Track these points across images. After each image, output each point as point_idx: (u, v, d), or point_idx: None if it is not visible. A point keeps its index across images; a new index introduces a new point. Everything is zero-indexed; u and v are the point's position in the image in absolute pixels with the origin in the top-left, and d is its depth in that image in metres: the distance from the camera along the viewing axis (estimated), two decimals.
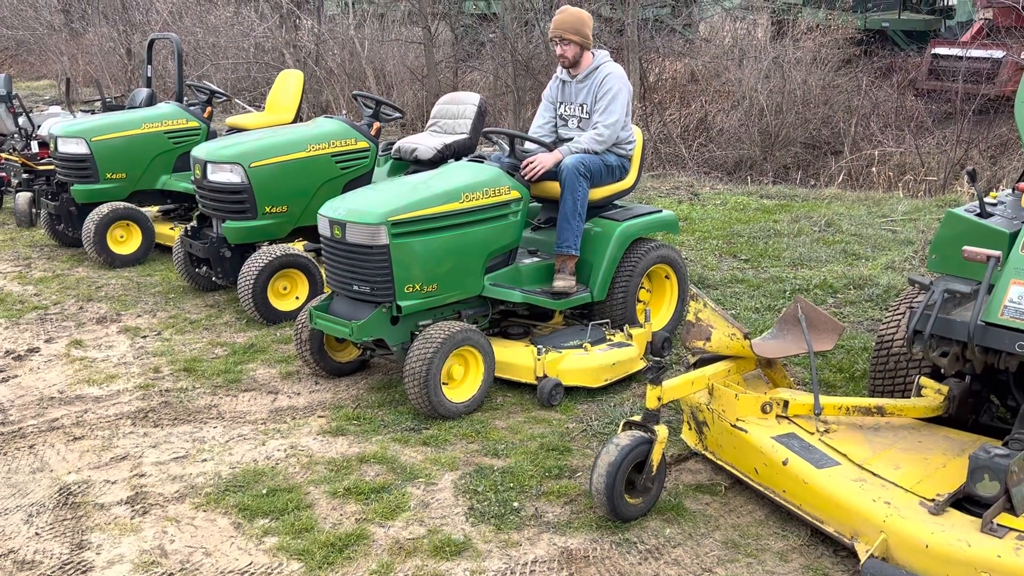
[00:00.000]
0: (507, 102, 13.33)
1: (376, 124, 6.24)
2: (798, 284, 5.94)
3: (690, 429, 3.76)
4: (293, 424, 4.13)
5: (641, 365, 4.49)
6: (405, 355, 4.09)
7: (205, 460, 3.79)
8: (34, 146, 8.78)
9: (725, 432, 3.49)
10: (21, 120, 9.24)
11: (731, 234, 7.28)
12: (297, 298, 5.55)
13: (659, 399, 3.30)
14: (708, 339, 3.63)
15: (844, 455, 3.22)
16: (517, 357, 4.38)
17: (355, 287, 4.20)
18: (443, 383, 4.08)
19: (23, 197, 8.08)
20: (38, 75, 21.59)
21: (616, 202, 5.01)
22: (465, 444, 3.88)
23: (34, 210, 7.98)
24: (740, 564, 3.04)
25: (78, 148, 6.82)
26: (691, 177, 10.39)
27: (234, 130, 7.49)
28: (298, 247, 5.70)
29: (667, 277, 5.07)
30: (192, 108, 7.37)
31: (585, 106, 4.79)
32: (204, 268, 5.97)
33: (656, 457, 3.25)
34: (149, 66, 8.59)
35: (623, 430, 3.32)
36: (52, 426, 4.12)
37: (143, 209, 7.00)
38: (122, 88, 16.90)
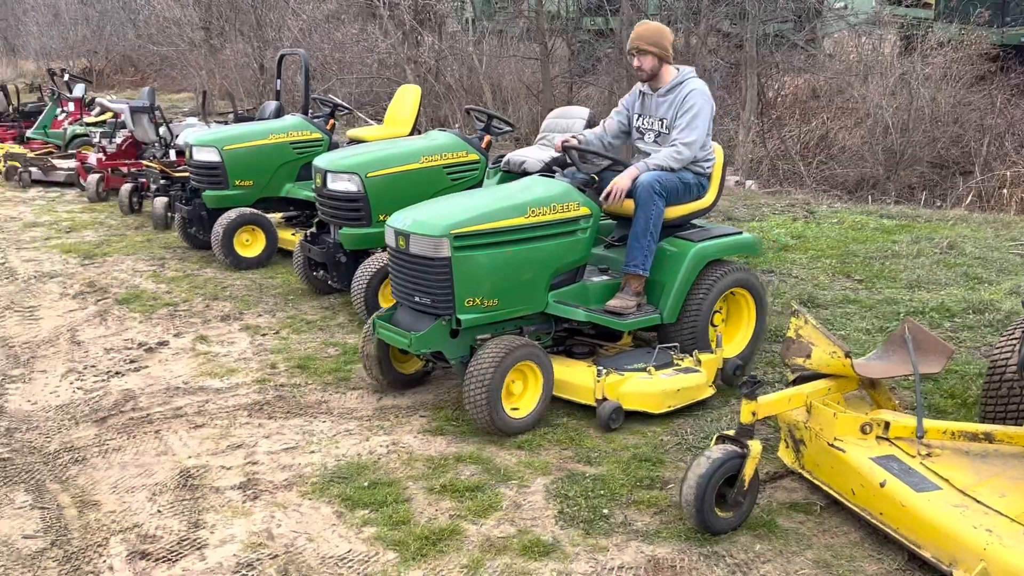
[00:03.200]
0: None
1: (487, 137, 6.41)
2: (913, 306, 5.75)
3: (787, 447, 3.71)
4: (396, 422, 4.30)
5: (709, 393, 4.34)
6: (464, 369, 4.08)
7: (313, 452, 4.00)
8: (172, 154, 9.40)
9: (822, 451, 3.43)
10: (161, 130, 9.90)
11: (846, 253, 7.09)
12: None
13: (754, 414, 3.29)
14: (808, 356, 3.58)
15: (946, 480, 3.13)
16: (577, 377, 4.30)
17: (416, 298, 4.22)
18: (508, 397, 4.07)
19: (160, 201, 8.65)
20: (178, 88, 23.00)
21: (695, 221, 4.88)
22: (559, 450, 3.96)
23: (169, 214, 8.53)
24: None
25: (210, 156, 7.27)
26: (808, 195, 10.16)
27: (355, 142, 7.82)
28: None
29: (745, 302, 4.85)
30: (316, 120, 7.74)
31: (665, 121, 4.68)
32: (321, 272, 6.27)
33: (748, 472, 3.23)
34: (279, 80, 9.07)
35: (716, 443, 3.32)
36: (176, 414, 4.43)
37: (267, 215, 7.41)
38: (254, 101, 17.81)
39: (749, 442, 3.24)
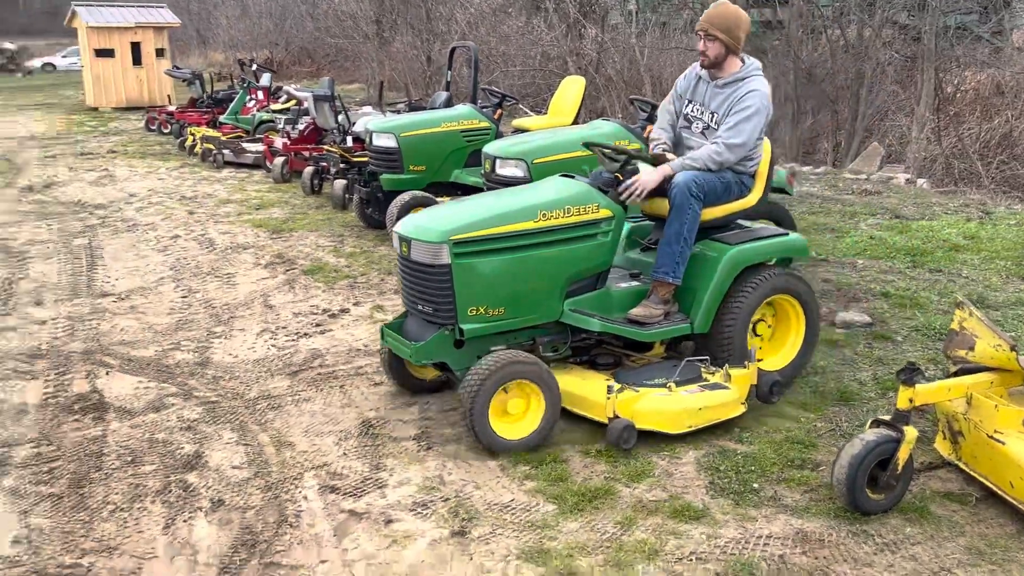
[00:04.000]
0: (785, 111, 13.12)
1: (649, 127, 6.56)
2: None
3: (944, 439, 3.72)
4: None
5: (739, 411, 3.99)
6: None
7: None
8: (349, 140, 10.07)
9: (981, 443, 3.43)
10: (340, 118, 10.60)
11: None
12: None
13: (911, 401, 3.33)
14: (971, 348, 3.57)
15: None
16: (590, 392, 3.98)
17: (420, 307, 4.03)
18: (504, 415, 3.86)
19: (339, 184, 9.30)
20: (351, 79, 24.27)
21: (740, 221, 4.53)
22: (711, 428, 4.10)
23: (347, 195, 9.16)
24: (982, 570, 3.02)
25: (388, 142, 7.80)
26: (985, 195, 9.69)
27: (519, 131, 8.16)
28: None
29: (793, 310, 4.45)
30: (484, 110, 8.13)
31: (717, 115, 4.34)
32: None
33: (902, 456, 3.29)
34: (449, 71, 9.54)
35: (871, 427, 3.39)
36: (358, 372, 4.87)
37: (437, 199, 7.86)
38: (420, 92, 18.61)
39: (904, 427, 3.29)
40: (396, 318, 4.36)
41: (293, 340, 5.40)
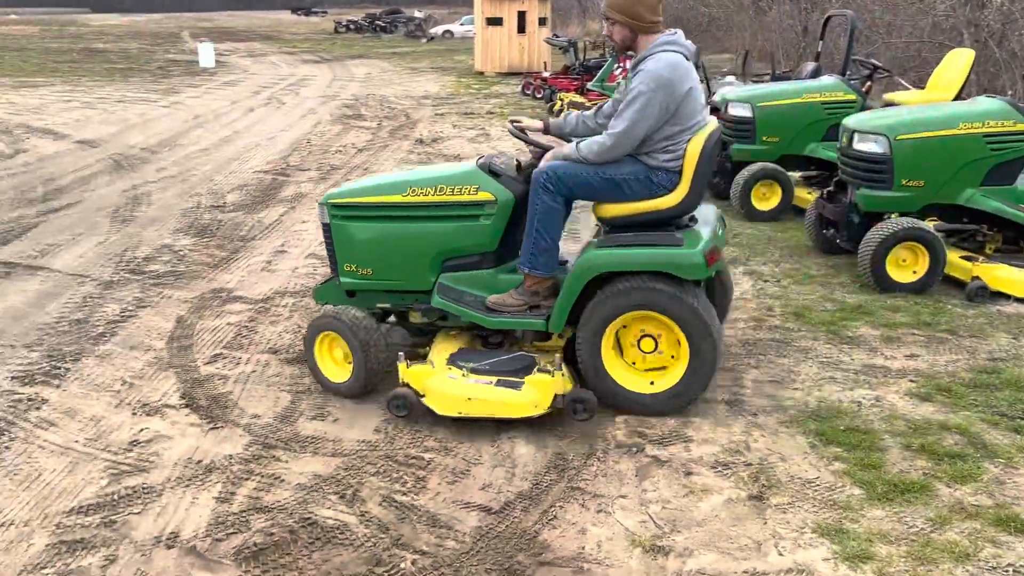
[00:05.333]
0: None
1: None
2: None
3: None
4: (883, 380, 4.35)
5: (526, 413, 3.78)
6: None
7: (796, 389, 4.27)
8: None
9: None
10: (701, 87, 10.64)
11: None
12: (915, 272, 5.62)
13: None
14: None
15: None
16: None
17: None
18: (339, 362, 4.28)
19: None
20: (721, 48, 24.02)
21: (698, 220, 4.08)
22: None
23: None
24: None
25: (743, 112, 7.73)
26: None
27: (890, 105, 7.65)
28: (928, 224, 5.72)
29: (674, 331, 3.89)
30: (852, 82, 7.72)
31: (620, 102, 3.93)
32: (831, 231, 6.38)
33: None
34: (821, 42, 9.16)
35: None
36: None
37: (788, 172, 7.66)
38: (791, 63, 17.92)
39: None
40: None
41: None
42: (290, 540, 3.12)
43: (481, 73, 22.95)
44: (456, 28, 40.76)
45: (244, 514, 3.29)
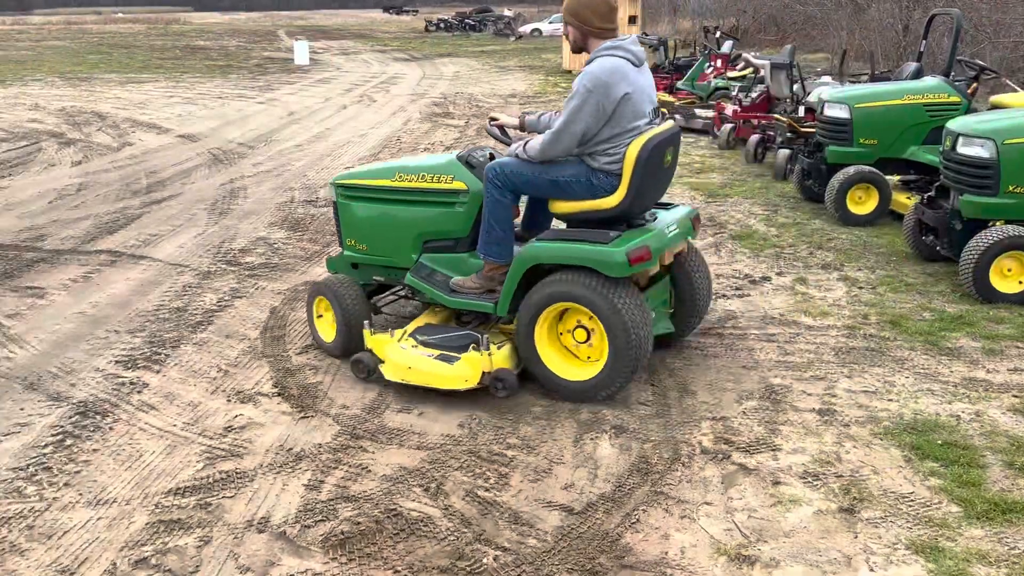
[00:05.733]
0: None
1: None
2: None
3: None
4: (983, 395, 4.17)
5: (457, 386, 4.09)
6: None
7: (891, 400, 4.14)
8: (801, 110, 9.85)
9: None
10: (795, 87, 10.40)
11: None
12: (1021, 283, 5.38)
13: None
14: None
15: None
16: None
17: None
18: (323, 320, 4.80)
19: (783, 154, 9.20)
20: (816, 48, 23.40)
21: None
22: None
23: (789, 166, 9.03)
24: None
25: (840, 113, 7.52)
26: None
27: (997, 108, 7.32)
28: None
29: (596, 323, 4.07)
30: (957, 83, 7.43)
31: None
32: (931, 238, 6.15)
33: None
34: (924, 41, 8.82)
35: None
36: (769, 339, 4.92)
37: (885, 176, 7.41)
38: (891, 63, 17.33)
39: None
40: None
41: (711, 300, 5.59)
42: (376, 530, 3.19)
43: (569, 71, 22.90)
44: (544, 26, 40.76)
45: (332, 502, 3.37)
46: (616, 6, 4.14)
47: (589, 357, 4.19)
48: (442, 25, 45.42)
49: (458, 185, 4.46)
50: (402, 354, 4.24)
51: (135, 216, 7.96)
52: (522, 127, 4.58)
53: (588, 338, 4.16)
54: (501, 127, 4.62)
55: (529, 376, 4.28)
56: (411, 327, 4.48)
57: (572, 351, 4.24)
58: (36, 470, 3.64)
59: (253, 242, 7.09)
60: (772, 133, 10.15)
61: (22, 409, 4.19)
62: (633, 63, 4.06)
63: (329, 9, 74.42)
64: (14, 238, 7.23)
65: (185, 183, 9.42)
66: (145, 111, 15.11)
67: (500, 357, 4.17)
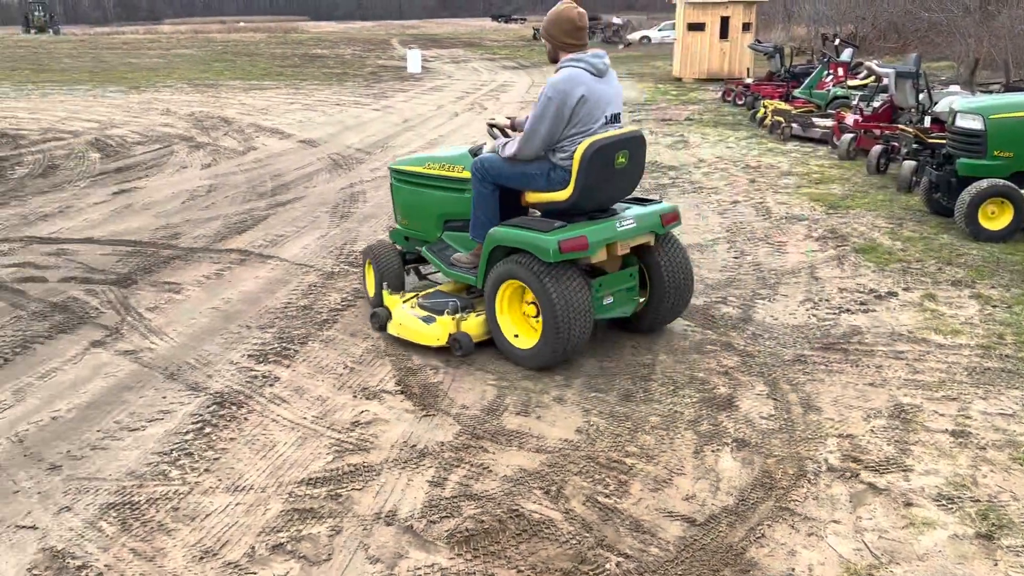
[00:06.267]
0: None
1: None
2: None
3: None
4: None
5: (430, 343, 4.82)
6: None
7: None
8: (927, 121, 9.48)
9: None
10: (921, 96, 10.02)
11: None
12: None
13: None
14: None
15: None
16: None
17: None
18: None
19: (908, 165, 8.87)
20: (939, 56, 22.46)
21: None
22: None
23: (914, 178, 8.70)
24: None
25: (974, 124, 7.19)
26: None
27: None
28: None
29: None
30: None
31: None
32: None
33: None
34: None
35: None
36: (897, 356, 4.76)
37: (1022, 190, 7.06)
38: (1023, 72, 16.46)
39: None
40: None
41: (834, 313, 5.45)
42: (499, 529, 3.24)
43: (679, 79, 22.68)
44: (654, 34, 40.45)
45: (455, 499, 3.45)
46: (582, 25, 4.61)
47: (535, 330, 4.64)
48: None
49: (467, 175, 5.05)
50: (401, 313, 5.03)
51: (262, 217, 8.31)
52: (514, 127, 5.16)
53: (538, 313, 4.60)
54: (499, 128, 5.17)
55: (639, 377, 4.27)
56: (424, 292, 5.21)
57: (530, 324, 4.73)
58: (179, 455, 3.85)
59: None
60: (896, 144, 9.81)
61: (164, 397, 4.44)
62: (592, 73, 4.56)
63: (439, 18, 75.76)
64: (152, 236, 7.66)
65: (307, 187, 9.77)
66: (267, 116, 15.74)
67: (470, 324, 4.84)
